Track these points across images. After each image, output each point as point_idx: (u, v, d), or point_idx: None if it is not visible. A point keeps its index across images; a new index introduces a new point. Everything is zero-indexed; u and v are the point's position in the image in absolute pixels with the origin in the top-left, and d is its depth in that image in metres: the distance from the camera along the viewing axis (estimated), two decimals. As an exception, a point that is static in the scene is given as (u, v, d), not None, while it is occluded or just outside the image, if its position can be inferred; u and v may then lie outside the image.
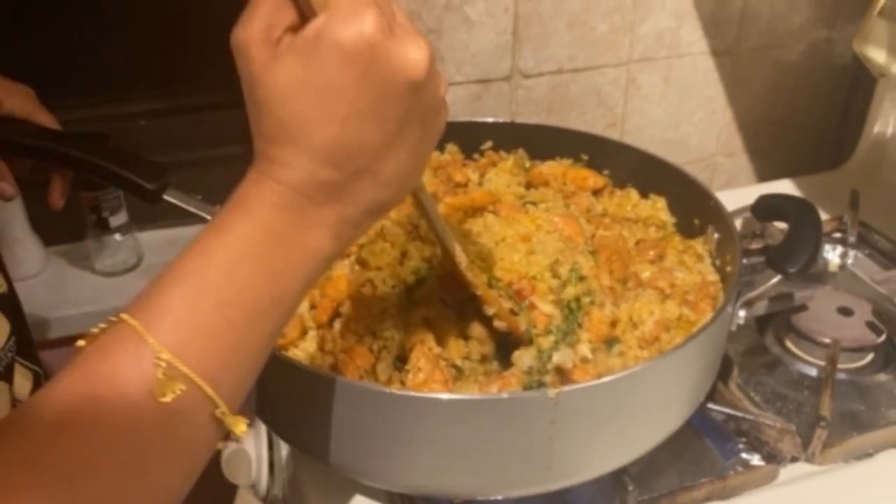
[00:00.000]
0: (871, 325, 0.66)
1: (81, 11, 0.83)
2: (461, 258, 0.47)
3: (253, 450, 0.64)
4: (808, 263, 0.50)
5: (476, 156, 0.69)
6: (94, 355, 0.31)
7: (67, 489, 0.28)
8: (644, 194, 0.64)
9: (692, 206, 0.61)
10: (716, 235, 0.57)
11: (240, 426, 0.33)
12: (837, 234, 0.80)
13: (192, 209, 0.58)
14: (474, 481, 0.45)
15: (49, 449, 0.28)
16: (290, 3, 0.33)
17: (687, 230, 0.61)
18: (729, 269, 0.54)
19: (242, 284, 0.32)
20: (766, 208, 0.58)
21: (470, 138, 0.69)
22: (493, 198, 0.61)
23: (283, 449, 0.62)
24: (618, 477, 0.49)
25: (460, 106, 0.80)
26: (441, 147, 0.69)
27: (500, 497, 0.47)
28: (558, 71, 0.81)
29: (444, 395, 0.43)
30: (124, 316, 0.31)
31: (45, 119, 0.59)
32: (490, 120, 0.71)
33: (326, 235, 0.34)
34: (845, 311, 0.68)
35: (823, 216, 0.74)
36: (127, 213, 0.80)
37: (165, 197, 0.57)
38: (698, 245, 0.59)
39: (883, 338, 0.65)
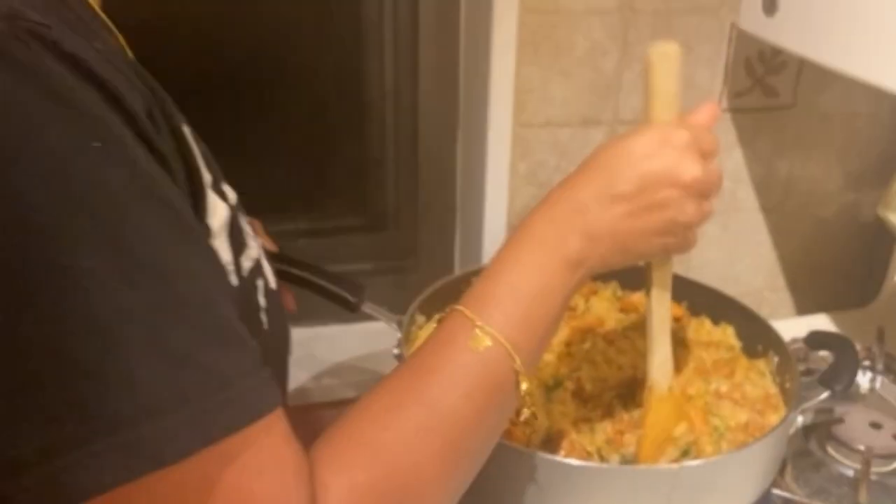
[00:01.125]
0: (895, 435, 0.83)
1: (252, 144, 1.04)
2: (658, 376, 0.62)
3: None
4: (849, 384, 0.67)
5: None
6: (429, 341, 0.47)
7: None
8: (716, 322, 0.83)
9: (755, 334, 0.79)
10: (776, 358, 0.75)
11: (525, 384, 0.47)
12: (867, 362, 0.97)
13: (381, 317, 0.77)
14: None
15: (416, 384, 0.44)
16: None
17: (751, 353, 0.79)
18: (788, 385, 0.71)
19: (546, 282, 0.49)
20: (816, 340, 0.75)
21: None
22: (601, 321, 0.80)
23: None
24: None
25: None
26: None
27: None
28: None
29: (592, 464, 0.60)
30: (458, 307, 0.48)
31: (268, 243, 0.78)
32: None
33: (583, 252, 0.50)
34: (875, 426, 0.84)
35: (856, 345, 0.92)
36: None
37: (363, 308, 0.77)
38: (761, 365, 0.76)
39: (907, 447, 0.82)
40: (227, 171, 0.47)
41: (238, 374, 0.35)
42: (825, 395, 0.68)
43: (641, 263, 0.60)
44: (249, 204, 0.50)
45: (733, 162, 1.02)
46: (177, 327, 0.34)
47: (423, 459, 0.43)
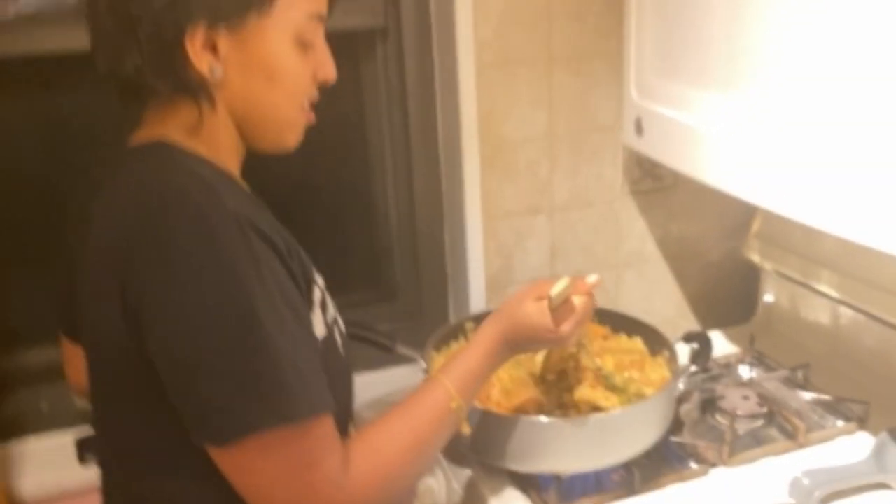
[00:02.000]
0: (758, 404, 1.22)
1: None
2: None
3: (435, 483, 1.19)
4: (706, 360, 1.09)
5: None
6: (418, 393, 0.86)
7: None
8: (629, 336, 1.23)
9: (655, 340, 1.19)
10: (667, 354, 1.15)
11: (466, 427, 0.89)
12: (746, 359, 1.38)
13: (410, 353, 1.17)
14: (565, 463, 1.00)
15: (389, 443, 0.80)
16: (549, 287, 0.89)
17: (653, 353, 1.19)
18: (675, 368, 1.12)
19: (482, 370, 0.88)
20: (689, 337, 1.17)
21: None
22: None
23: (455, 480, 1.16)
24: (628, 467, 1.04)
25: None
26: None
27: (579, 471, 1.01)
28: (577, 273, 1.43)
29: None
30: (438, 376, 0.87)
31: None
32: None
33: (504, 359, 0.91)
34: (745, 398, 1.24)
35: (737, 349, 1.34)
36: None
37: (398, 349, 1.17)
38: (660, 360, 1.16)
39: (765, 409, 1.21)
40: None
41: (323, 387, 0.73)
42: (693, 368, 1.09)
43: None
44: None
45: (639, 228, 1.45)
46: (305, 357, 0.72)
47: (405, 457, 0.79)
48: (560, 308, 0.90)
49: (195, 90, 0.78)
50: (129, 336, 0.70)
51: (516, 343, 0.90)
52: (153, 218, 0.69)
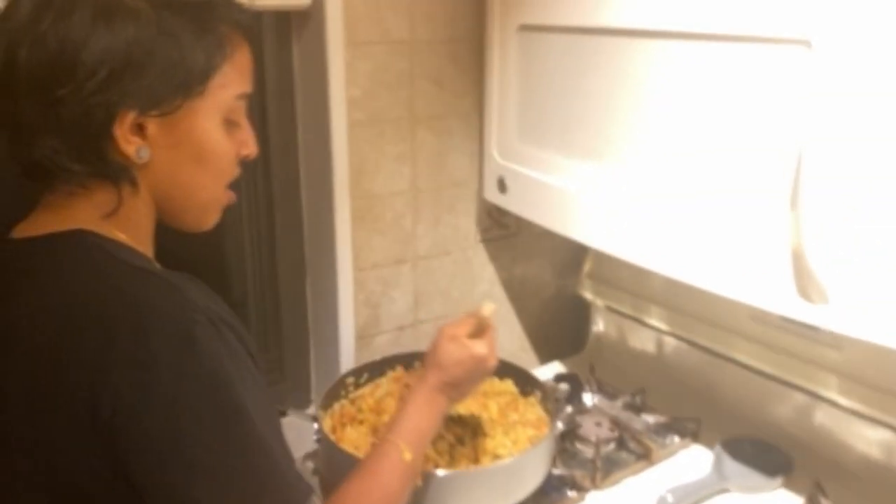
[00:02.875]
0: (610, 429, 1.38)
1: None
2: None
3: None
4: (579, 400, 1.20)
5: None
6: (372, 455, 0.89)
7: None
8: (501, 378, 1.32)
9: (525, 381, 1.30)
10: (539, 394, 1.26)
11: (418, 480, 0.93)
12: (587, 387, 1.53)
13: (303, 419, 1.16)
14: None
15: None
16: (470, 327, 0.96)
17: (524, 393, 1.29)
18: (549, 407, 1.22)
19: (425, 422, 0.92)
20: (559, 378, 1.29)
21: (409, 360, 1.33)
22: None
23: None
24: None
25: (390, 342, 1.45)
26: (388, 370, 1.32)
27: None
28: (437, 318, 1.50)
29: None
30: (388, 437, 0.90)
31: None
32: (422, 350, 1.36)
33: (445, 405, 0.95)
34: (598, 424, 1.38)
35: (577, 378, 1.49)
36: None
37: (289, 415, 1.15)
38: (532, 400, 1.27)
39: (616, 434, 1.37)
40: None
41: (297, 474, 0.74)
42: (569, 408, 1.20)
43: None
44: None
45: (489, 272, 1.55)
46: (283, 441, 0.72)
47: None
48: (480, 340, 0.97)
49: (116, 174, 0.74)
50: (98, 453, 0.66)
51: (449, 385, 0.94)
52: (127, 334, 0.65)
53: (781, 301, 0.92)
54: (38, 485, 0.70)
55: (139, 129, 0.73)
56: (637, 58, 1.02)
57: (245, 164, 0.84)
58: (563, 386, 1.29)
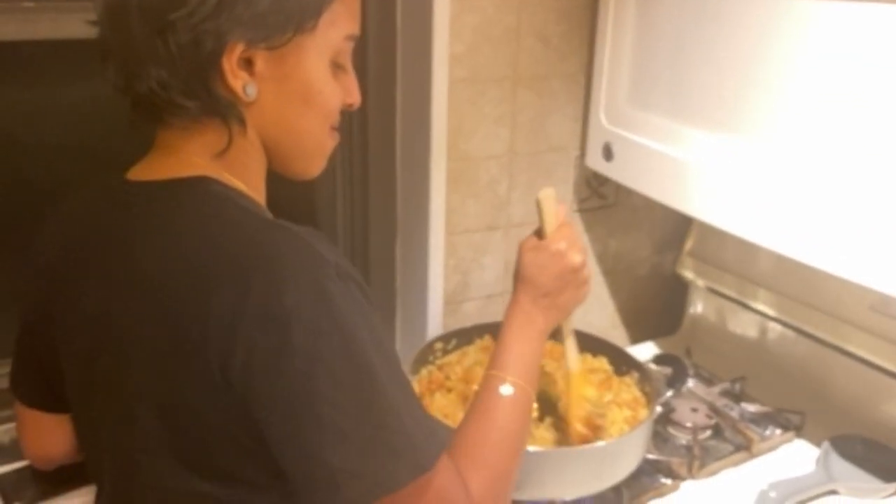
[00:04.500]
0: (707, 416, 1.30)
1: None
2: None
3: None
4: (682, 384, 1.13)
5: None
6: (479, 395, 0.83)
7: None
8: (594, 355, 1.26)
9: (620, 360, 1.23)
10: (636, 374, 1.20)
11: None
12: (686, 371, 1.46)
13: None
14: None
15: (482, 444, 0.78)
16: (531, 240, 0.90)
17: (619, 372, 1.23)
18: (647, 390, 1.16)
19: (527, 347, 0.87)
20: (660, 360, 1.22)
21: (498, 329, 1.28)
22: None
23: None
24: (616, 487, 1.07)
25: (478, 309, 1.40)
26: (476, 339, 1.27)
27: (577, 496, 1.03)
28: (525, 288, 1.45)
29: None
30: (494, 373, 0.84)
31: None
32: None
33: (543, 323, 0.89)
34: (694, 410, 1.31)
35: (672, 360, 1.41)
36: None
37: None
38: (628, 379, 1.20)
39: (714, 421, 1.29)
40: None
41: (432, 418, 0.71)
42: (670, 392, 1.14)
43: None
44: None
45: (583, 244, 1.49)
46: (412, 395, 0.69)
47: (505, 456, 0.79)
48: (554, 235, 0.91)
49: (225, 110, 0.70)
50: (226, 408, 0.64)
51: (541, 296, 0.88)
52: (262, 286, 0.62)
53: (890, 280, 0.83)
54: (163, 440, 0.69)
55: (247, 64, 0.70)
56: (778, 16, 0.93)
57: (342, 117, 0.80)
58: (666, 369, 1.22)
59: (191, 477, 0.69)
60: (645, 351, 1.49)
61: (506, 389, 0.83)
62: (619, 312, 1.59)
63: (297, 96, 0.73)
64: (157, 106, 0.70)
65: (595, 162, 1.30)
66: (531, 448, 0.99)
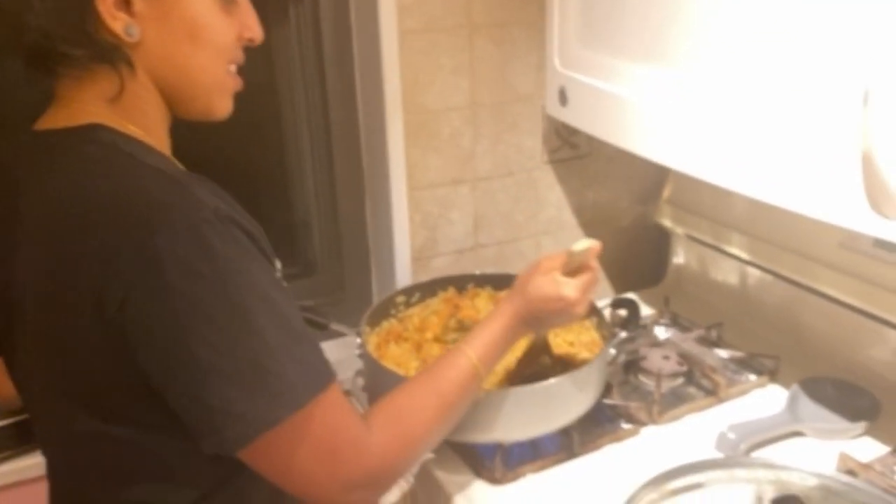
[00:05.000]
0: (678, 363, 1.28)
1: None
2: None
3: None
4: (636, 325, 1.12)
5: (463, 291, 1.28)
6: (440, 360, 0.85)
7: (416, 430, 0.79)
8: (558, 305, 1.25)
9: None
10: (595, 319, 1.18)
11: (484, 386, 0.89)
12: (662, 320, 1.43)
13: (345, 330, 1.14)
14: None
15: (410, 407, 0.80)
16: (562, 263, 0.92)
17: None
18: (605, 333, 1.14)
19: (500, 343, 0.88)
20: (617, 303, 1.20)
21: (461, 282, 1.29)
22: (479, 312, 1.20)
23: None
24: (567, 431, 1.06)
25: (448, 265, 1.40)
26: (439, 291, 1.28)
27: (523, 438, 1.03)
28: (498, 243, 1.44)
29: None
30: (460, 345, 0.86)
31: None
32: (476, 272, 1.31)
33: (522, 333, 0.91)
34: (666, 358, 1.29)
35: (652, 310, 1.39)
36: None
37: (332, 326, 1.14)
38: (588, 324, 1.19)
39: (685, 368, 1.27)
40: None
41: (320, 359, 0.71)
42: (624, 334, 1.12)
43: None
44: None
45: (556, 196, 1.47)
46: (299, 338, 0.69)
47: (429, 420, 0.80)
48: (569, 275, 0.92)
49: (111, 55, 0.71)
50: (107, 350, 0.66)
51: (532, 316, 0.91)
52: (136, 230, 0.64)
53: (854, 216, 0.80)
54: (57, 384, 0.71)
55: (126, 5, 0.70)
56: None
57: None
58: (621, 312, 1.21)
59: (89, 419, 0.71)
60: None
61: (464, 363, 0.85)
62: (603, 264, 1.56)
63: (181, 34, 0.73)
64: (47, 58, 0.71)
65: (553, 108, 1.28)
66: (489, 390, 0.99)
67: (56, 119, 0.74)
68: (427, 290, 1.26)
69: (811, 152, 0.84)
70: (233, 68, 0.79)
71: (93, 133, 0.71)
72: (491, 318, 0.91)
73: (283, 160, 1.42)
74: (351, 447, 0.72)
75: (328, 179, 1.40)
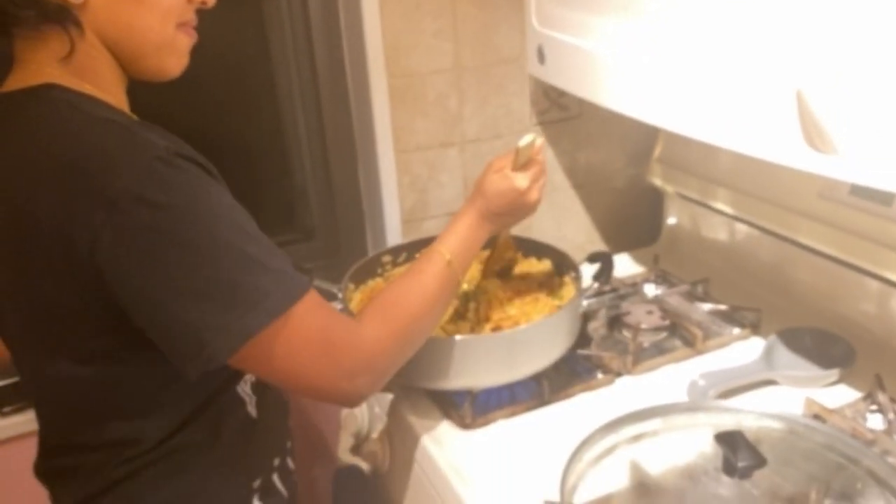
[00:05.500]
0: (661, 318, 1.30)
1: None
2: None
3: (358, 410, 1.22)
4: (608, 278, 1.14)
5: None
6: (418, 261, 0.92)
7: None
8: (539, 259, 1.28)
9: (562, 263, 1.25)
10: (573, 274, 1.21)
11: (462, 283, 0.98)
12: (651, 277, 1.45)
13: (328, 287, 1.19)
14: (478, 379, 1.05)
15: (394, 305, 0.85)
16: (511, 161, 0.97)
17: (560, 273, 1.24)
18: (580, 287, 1.17)
19: (470, 238, 0.94)
20: (593, 257, 1.23)
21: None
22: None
23: (377, 405, 1.19)
24: (538, 379, 1.09)
25: (439, 227, 1.43)
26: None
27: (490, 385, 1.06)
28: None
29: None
30: (433, 245, 0.92)
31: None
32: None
33: (488, 230, 0.96)
34: (650, 312, 1.31)
35: (643, 269, 1.40)
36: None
37: (315, 284, 1.18)
38: (566, 279, 1.22)
39: (668, 322, 1.29)
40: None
41: (293, 271, 0.75)
42: (596, 284, 1.15)
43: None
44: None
45: (548, 158, 1.49)
46: (269, 252, 0.74)
47: (413, 312, 0.86)
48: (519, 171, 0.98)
49: (59, 16, 0.74)
50: (79, 290, 0.71)
51: (491, 213, 0.97)
52: (93, 177, 0.69)
53: (790, 152, 0.81)
54: (27, 331, 0.78)
55: None
56: None
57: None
58: (594, 264, 1.23)
59: (59, 361, 0.77)
60: (620, 262, 1.48)
61: (440, 260, 0.91)
62: (597, 226, 1.59)
63: None
64: (1, 20, 0.75)
65: (533, 67, 1.30)
66: (454, 337, 1.03)
67: (15, 80, 0.78)
68: (414, 249, 1.30)
69: (766, 97, 0.85)
70: (185, 26, 0.81)
71: (46, 92, 0.75)
72: (456, 219, 0.97)
73: (280, 129, 1.47)
74: (345, 337, 0.78)
75: (321, 146, 1.45)
